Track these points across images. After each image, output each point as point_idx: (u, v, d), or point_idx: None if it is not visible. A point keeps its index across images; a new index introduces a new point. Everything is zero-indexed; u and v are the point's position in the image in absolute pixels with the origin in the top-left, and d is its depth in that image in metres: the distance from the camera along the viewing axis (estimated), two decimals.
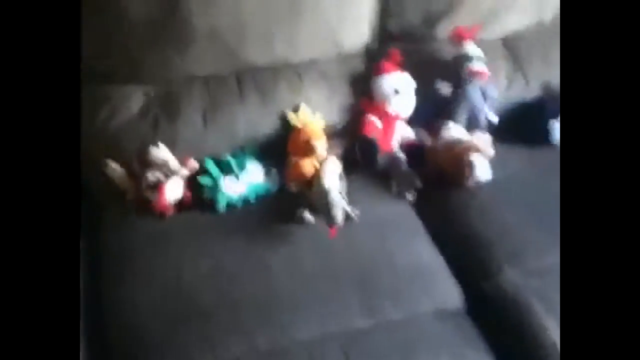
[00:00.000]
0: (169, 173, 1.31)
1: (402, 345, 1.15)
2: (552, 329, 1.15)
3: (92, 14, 1.34)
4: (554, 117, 1.55)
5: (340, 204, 1.25)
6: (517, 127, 1.61)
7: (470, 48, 1.55)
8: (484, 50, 1.62)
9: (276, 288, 1.21)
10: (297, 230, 1.31)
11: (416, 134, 1.54)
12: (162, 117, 1.41)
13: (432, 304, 1.23)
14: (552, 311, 1.16)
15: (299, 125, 1.43)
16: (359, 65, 1.60)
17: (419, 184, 1.46)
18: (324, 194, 1.25)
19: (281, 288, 1.21)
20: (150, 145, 1.34)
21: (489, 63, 1.62)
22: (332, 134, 1.49)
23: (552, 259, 1.26)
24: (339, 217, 1.23)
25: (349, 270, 1.24)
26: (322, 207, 1.25)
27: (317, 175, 1.31)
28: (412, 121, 1.55)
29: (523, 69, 1.67)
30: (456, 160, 1.41)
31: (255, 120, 1.46)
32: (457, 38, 1.57)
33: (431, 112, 1.56)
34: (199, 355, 1.12)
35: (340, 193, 1.29)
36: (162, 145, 1.35)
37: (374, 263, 1.26)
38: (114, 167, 1.34)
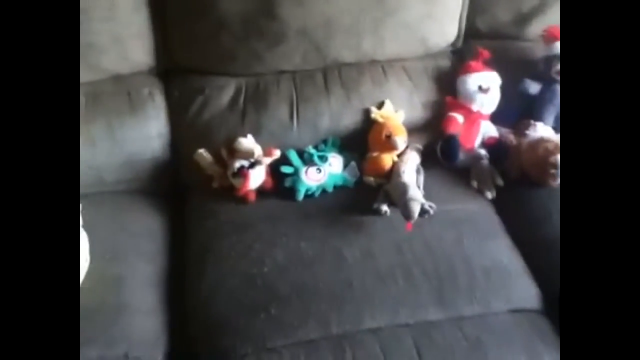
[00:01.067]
0: (254, 161, 1.37)
1: (473, 339, 1.15)
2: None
3: (191, 11, 1.44)
4: None
5: (417, 198, 1.27)
6: None
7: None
8: None
9: (350, 278, 1.23)
10: (374, 222, 1.33)
11: (500, 133, 1.52)
12: (251, 109, 1.48)
13: (508, 303, 1.22)
14: None
15: (381, 120, 1.46)
16: (444, 63, 1.61)
17: (500, 181, 1.44)
18: (402, 188, 1.27)
19: (355, 278, 1.23)
20: (234, 136, 1.41)
21: None
22: (414, 130, 1.50)
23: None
24: (416, 211, 1.24)
25: (424, 264, 1.25)
26: (400, 201, 1.27)
27: (395, 169, 1.34)
28: (497, 120, 1.54)
29: None
30: (540, 161, 1.39)
31: (338, 114, 1.50)
32: (548, 38, 1.53)
33: (517, 111, 1.54)
34: (277, 340, 1.15)
35: (418, 187, 1.31)
36: (249, 136, 1.42)
37: (449, 259, 1.26)
38: (204, 155, 1.42)
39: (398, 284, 1.22)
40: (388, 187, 1.32)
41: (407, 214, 1.25)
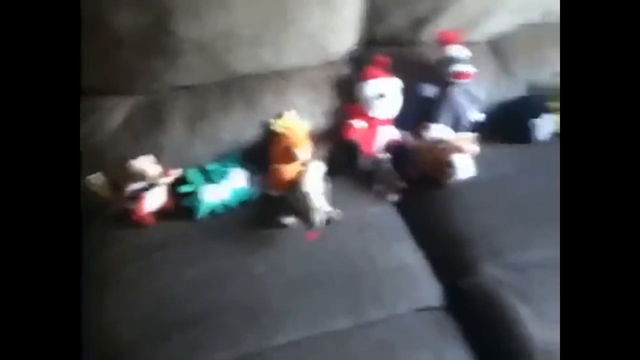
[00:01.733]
0: (150, 183, 1.35)
1: (382, 343, 1.17)
2: (527, 322, 1.16)
3: (83, 30, 1.39)
4: (536, 115, 1.57)
5: (319, 207, 1.28)
6: (503, 126, 1.62)
7: (455, 50, 1.57)
8: (471, 51, 1.64)
9: (260, 293, 1.23)
10: (280, 234, 1.34)
11: (402, 136, 1.56)
12: (147, 128, 1.46)
13: (413, 303, 1.25)
14: (529, 304, 1.18)
15: (281, 132, 1.47)
16: (345, 70, 1.63)
17: (401, 184, 1.48)
18: (304, 198, 1.28)
19: (265, 293, 1.23)
20: (129, 158, 1.37)
21: (476, 64, 1.64)
22: (317, 138, 1.52)
23: (532, 254, 1.29)
24: (318, 220, 1.26)
25: (331, 273, 1.26)
26: (302, 211, 1.28)
27: (298, 179, 1.35)
28: (399, 124, 1.58)
29: (509, 69, 1.68)
30: (437, 161, 1.43)
31: (240, 127, 1.50)
32: (442, 41, 1.59)
33: (417, 114, 1.58)
34: None
35: (321, 196, 1.32)
36: (144, 156, 1.39)
37: (355, 265, 1.28)
38: (94, 180, 1.37)
39: (308, 296, 1.23)
40: (291, 198, 1.33)
41: (310, 224, 1.26)
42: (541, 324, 1.15)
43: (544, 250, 1.27)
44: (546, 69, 1.68)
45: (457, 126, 1.58)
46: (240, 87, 1.53)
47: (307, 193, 1.29)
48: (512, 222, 1.35)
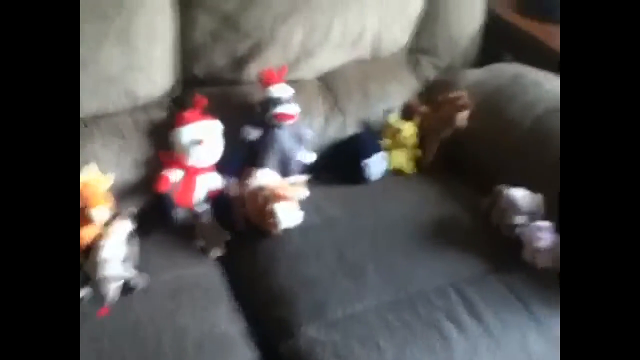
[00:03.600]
0: None
1: None
2: None
3: None
4: (369, 155, 1.52)
5: (116, 275, 1.12)
6: (335, 166, 1.56)
7: (278, 90, 1.49)
8: (299, 89, 1.57)
9: None
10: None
11: (225, 183, 1.44)
12: None
13: None
14: None
15: None
16: (159, 114, 1.49)
17: (226, 237, 1.36)
18: (96, 267, 1.12)
19: None
20: None
21: (305, 102, 1.57)
22: (127, 193, 1.36)
23: (356, 307, 1.21)
24: (111, 291, 1.10)
25: (124, 352, 1.09)
26: (94, 281, 1.11)
27: (94, 245, 1.18)
28: (222, 170, 1.46)
29: (340, 107, 1.63)
30: (260, 210, 1.33)
31: None
32: (264, 81, 1.50)
33: (242, 159, 1.48)
34: None
35: (121, 262, 1.17)
36: None
37: (158, 338, 1.12)
38: None
39: None
40: (87, 267, 1.16)
41: (102, 296, 1.10)
42: None
43: (367, 302, 1.20)
44: (377, 105, 1.65)
45: (285, 169, 1.49)
46: None
47: (103, 260, 1.13)
48: (338, 271, 1.26)
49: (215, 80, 1.56)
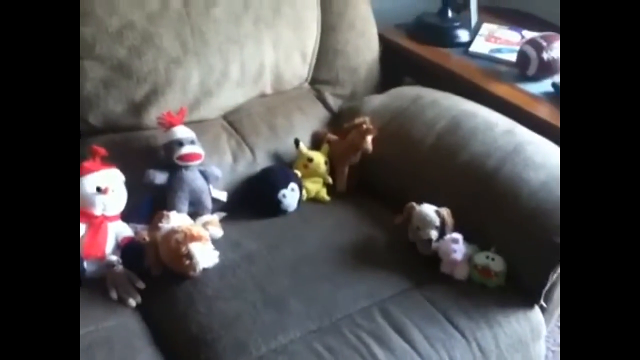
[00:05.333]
0: None
1: None
2: None
3: None
4: (284, 186, 1.51)
5: None
6: (250, 201, 1.54)
7: (180, 131, 1.47)
8: (203, 129, 1.56)
9: None
10: None
11: (135, 231, 1.39)
12: None
13: None
14: None
15: None
16: None
17: (140, 284, 1.30)
18: None
19: None
20: None
21: (211, 141, 1.56)
22: None
23: (279, 341, 1.18)
24: None
25: None
26: None
27: None
28: (131, 217, 1.41)
29: (248, 142, 1.62)
30: (175, 253, 1.29)
31: None
32: (165, 124, 1.48)
33: (151, 204, 1.44)
34: None
35: None
36: None
37: None
38: None
39: None
40: None
41: None
42: None
43: (291, 333, 1.18)
44: (285, 138, 1.65)
45: (197, 210, 1.46)
46: None
47: None
48: (259, 306, 1.24)
49: (114, 128, 1.51)
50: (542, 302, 1.32)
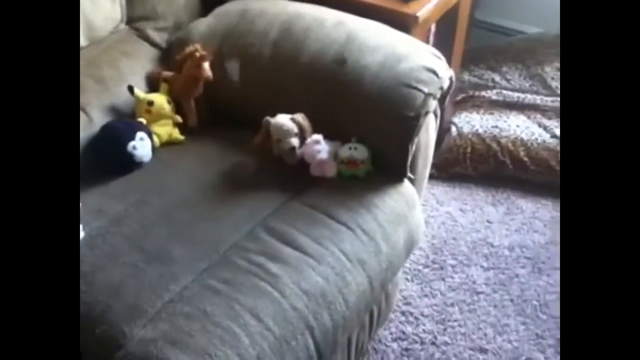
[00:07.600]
0: None
1: None
2: None
3: None
4: (132, 138, 1.42)
5: None
6: (100, 163, 1.43)
7: None
8: None
9: None
10: None
11: None
12: None
13: None
14: (185, 349, 1.05)
15: None
16: None
17: None
18: None
19: None
20: None
21: None
22: None
23: (174, 289, 1.15)
24: None
25: None
26: None
27: None
28: None
29: None
30: None
31: None
32: None
33: None
34: None
35: None
36: None
37: None
38: None
39: None
40: None
41: None
42: None
43: (183, 280, 1.15)
44: (117, 88, 1.53)
45: None
46: None
47: None
48: (142, 265, 1.18)
49: None
50: (408, 174, 1.39)
